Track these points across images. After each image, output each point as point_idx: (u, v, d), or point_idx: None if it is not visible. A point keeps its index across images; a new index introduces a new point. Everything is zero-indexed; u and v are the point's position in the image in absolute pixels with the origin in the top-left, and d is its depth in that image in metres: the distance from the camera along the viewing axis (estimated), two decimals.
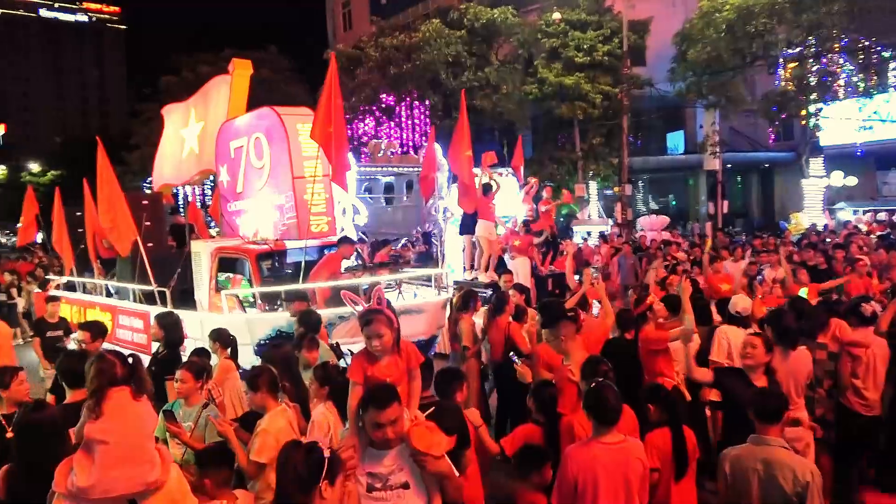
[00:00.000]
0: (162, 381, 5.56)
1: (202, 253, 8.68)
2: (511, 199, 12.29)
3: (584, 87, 22.73)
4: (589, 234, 21.57)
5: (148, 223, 9.64)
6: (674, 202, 33.44)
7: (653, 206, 32.57)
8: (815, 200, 24.91)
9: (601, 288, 6.03)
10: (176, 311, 8.36)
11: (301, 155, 8.14)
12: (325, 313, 6.86)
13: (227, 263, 8.42)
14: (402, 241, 14.87)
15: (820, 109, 20.82)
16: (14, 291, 14.33)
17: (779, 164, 28.16)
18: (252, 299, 8.00)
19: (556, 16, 23.11)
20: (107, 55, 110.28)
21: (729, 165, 27.81)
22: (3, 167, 62.98)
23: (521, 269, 10.42)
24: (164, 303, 8.57)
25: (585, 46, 22.90)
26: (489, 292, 10.26)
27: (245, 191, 9.02)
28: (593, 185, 26.02)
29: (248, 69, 9.60)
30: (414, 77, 23.54)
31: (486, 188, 10.05)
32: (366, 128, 24.62)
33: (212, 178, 11.18)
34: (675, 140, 30.76)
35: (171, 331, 5.88)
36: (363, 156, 15.98)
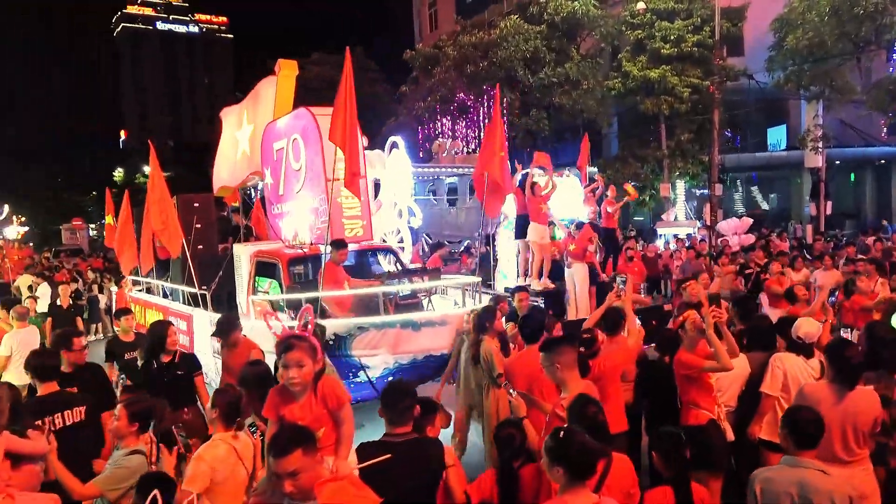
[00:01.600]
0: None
1: (242, 256, 8.61)
2: (574, 200, 11.53)
3: (670, 81, 21.41)
4: (675, 236, 20.23)
5: (198, 225, 9.74)
6: (776, 202, 31.06)
7: (763, 205, 30.41)
8: None
9: (628, 301, 5.25)
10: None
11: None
12: (342, 323, 6.54)
13: (264, 267, 8.29)
14: (465, 243, 14.44)
15: None
16: (96, 288, 15.09)
17: None
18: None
19: (641, 5, 21.87)
20: (215, 63, 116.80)
21: (837, 162, 25.42)
22: (120, 169, 68.08)
23: (578, 276, 9.70)
24: (204, 305, 8.59)
25: (673, 37, 21.57)
26: (540, 301, 9.66)
27: (286, 193, 8.88)
28: (681, 185, 24.48)
29: (293, 70, 9.47)
30: (490, 75, 22.98)
31: (533, 188, 9.38)
32: (442, 127, 24.36)
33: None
34: (778, 135, 28.49)
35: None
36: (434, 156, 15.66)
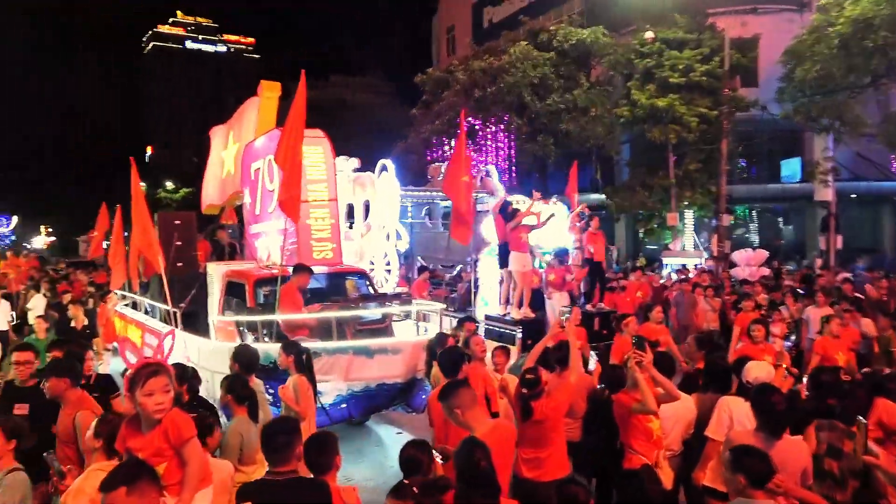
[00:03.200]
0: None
1: (214, 275, 8.57)
2: (559, 228, 11.35)
3: (678, 110, 21.17)
4: (683, 266, 19.87)
5: (179, 243, 9.76)
6: (792, 234, 30.50)
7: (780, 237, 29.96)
8: None
9: (572, 332, 5.00)
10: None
11: (306, 178, 7.83)
12: None
13: (234, 287, 8.23)
14: (458, 268, 14.32)
15: None
16: (91, 302, 15.13)
17: None
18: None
19: (649, 34, 21.78)
20: (242, 82, 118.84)
21: (853, 196, 24.92)
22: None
23: (558, 306, 9.51)
24: (175, 324, 8.53)
25: (681, 67, 21.39)
26: (518, 331, 9.47)
27: (261, 213, 8.86)
28: (689, 214, 24.12)
29: (276, 91, 9.53)
30: (498, 100, 23.01)
31: (512, 215, 9.22)
32: (449, 151, 24.39)
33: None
34: (792, 167, 28.09)
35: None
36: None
